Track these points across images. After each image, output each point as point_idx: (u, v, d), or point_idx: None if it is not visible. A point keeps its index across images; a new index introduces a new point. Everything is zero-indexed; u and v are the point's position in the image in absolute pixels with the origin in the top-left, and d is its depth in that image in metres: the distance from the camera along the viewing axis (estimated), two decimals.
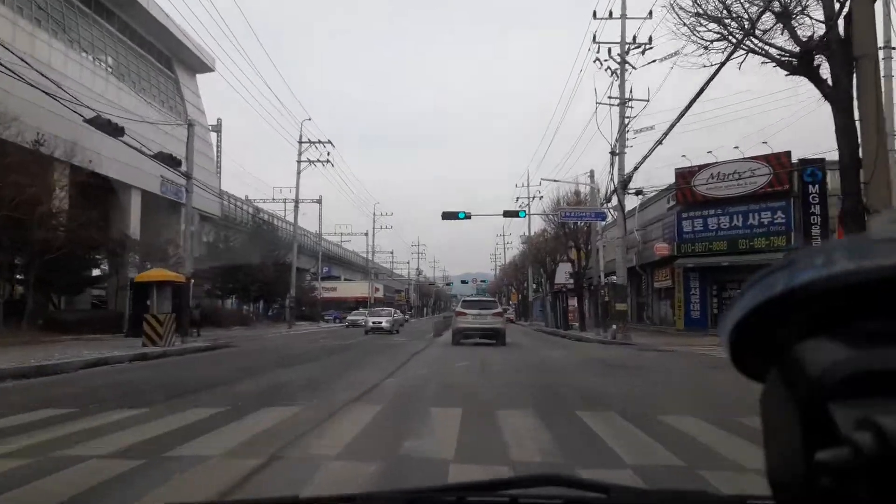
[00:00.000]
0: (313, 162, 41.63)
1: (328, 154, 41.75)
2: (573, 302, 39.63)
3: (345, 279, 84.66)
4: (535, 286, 59.74)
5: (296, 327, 44.51)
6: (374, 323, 33.12)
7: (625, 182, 24.12)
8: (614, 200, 25.95)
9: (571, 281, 41.17)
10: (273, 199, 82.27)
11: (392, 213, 76.26)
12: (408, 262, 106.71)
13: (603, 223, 27.53)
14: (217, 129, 58.08)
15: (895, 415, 0.41)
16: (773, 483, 0.50)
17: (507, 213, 29.08)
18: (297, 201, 42.14)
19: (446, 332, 35.95)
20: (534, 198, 57.41)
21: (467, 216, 28.43)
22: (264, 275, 43.65)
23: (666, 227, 27.38)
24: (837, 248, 0.48)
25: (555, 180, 27.12)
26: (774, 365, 0.49)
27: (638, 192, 24.59)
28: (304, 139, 41.86)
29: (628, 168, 24.22)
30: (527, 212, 29.21)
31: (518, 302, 76.27)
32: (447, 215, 28.44)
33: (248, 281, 44.48)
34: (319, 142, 41.70)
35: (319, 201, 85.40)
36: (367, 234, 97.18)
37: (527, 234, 56.98)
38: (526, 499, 1.06)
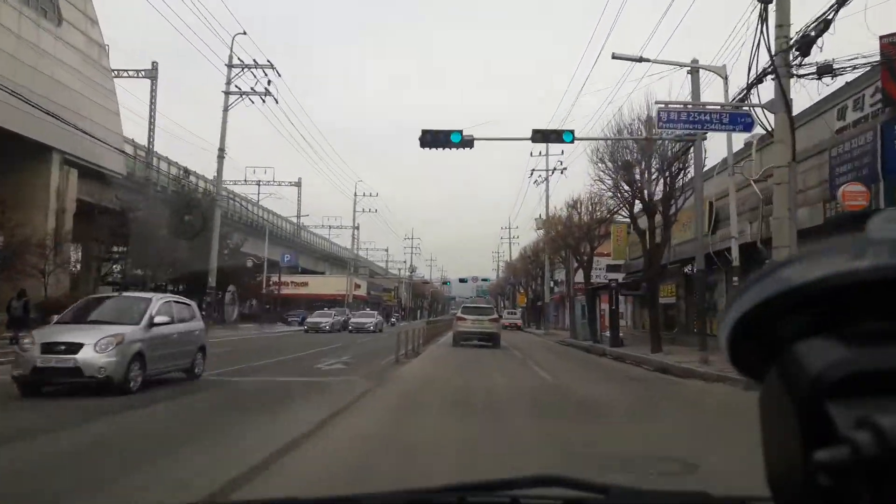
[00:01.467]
0: (245, 94, 28.74)
1: (268, 83, 28.86)
2: (617, 303, 26.78)
3: (330, 275, 71.76)
4: (552, 284, 46.79)
5: (224, 331, 31.61)
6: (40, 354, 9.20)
7: (806, 44, 11.25)
8: (752, 99, 13.15)
9: (616, 275, 28.36)
10: (245, 180, 70.11)
11: (377, 194, 62.98)
12: (404, 262, 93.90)
13: (748, 135, 14.48)
14: (152, 75, 45.52)
15: (893, 414, 0.40)
16: (772, 483, 0.50)
17: (537, 136, 16.06)
18: (222, 149, 29.20)
19: (432, 346, 23.40)
20: (555, 170, 44.81)
21: (465, 142, 15.59)
22: (179, 255, 30.78)
23: (844, 161, 14.35)
24: (836, 249, 0.48)
25: (640, 59, 13.83)
26: (773, 364, 0.49)
27: (823, 73, 11.68)
28: (237, 62, 28.98)
29: (795, 25, 11.44)
30: (574, 135, 16.08)
31: (527, 304, 63.37)
32: (428, 139, 15.60)
33: (157, 264, 31.63)
34: (256, 65, 28.79)
35: (299, 184, 73.19)
36: (358, 228, 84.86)
37: (543, 215, 44.14)
38: (526, 499, 1.07)
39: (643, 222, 19.33)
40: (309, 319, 40.03)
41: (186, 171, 39.82)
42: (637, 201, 19.31)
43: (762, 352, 0.50)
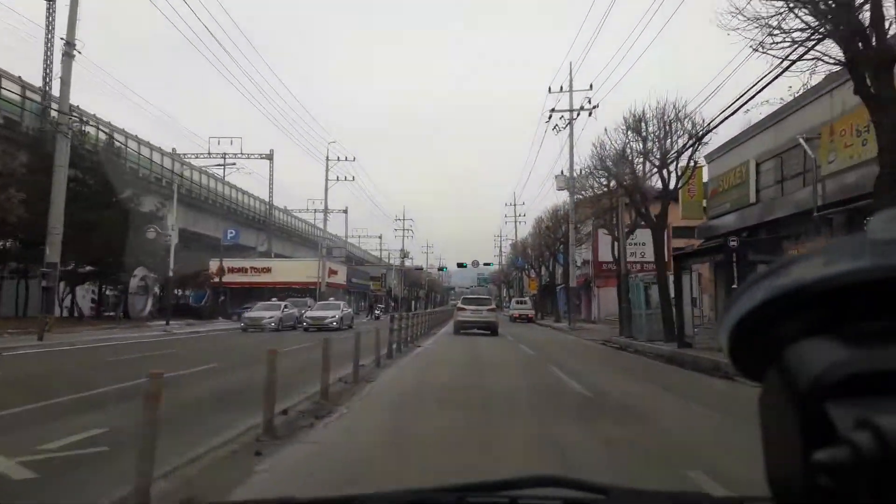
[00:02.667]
0: None
1: None
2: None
3: (299, 258, 60.55)
4: (578, 264, 35.73)
5: (97, 333, 20.39)
6: None
7: None
8: None
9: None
10: (209, 152, 59.14)
11: (354, 159, 51.59)
12: (399, 250, 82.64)
13: None
14: None
15: (893, 415, 0.40)
16: (772, 483, 0.50)
17: None
18: (69, 42, 17.93)
19: (392, 372, 11.86)
20: (581, 109, 33.56)
21: None
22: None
23: None
24: (836, 249, 0.48)
25: None
26: (773, 365, 0.49)
27: None
28: None
29: None
30: None
31: (539, 290, 52.30)
32: None
33: None
34: None
35: (270, 157, 62.07)
36: (346, 212, 73.80)
37: (565, 171, 32.99)
38: (525, 499, 1.06)
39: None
40: (247, 314, 28.97)
41: (81, 119, 28.35)
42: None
43: (762, 352, 0.49)
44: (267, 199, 61.98)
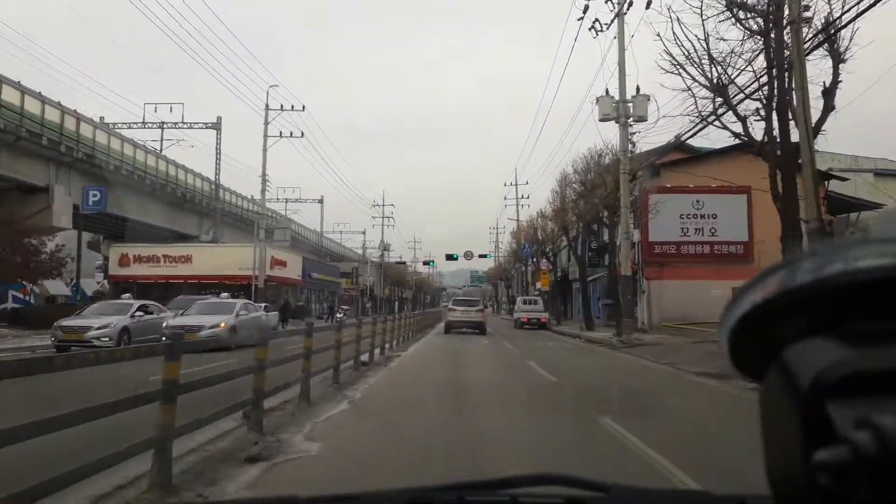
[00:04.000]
0: None
1: None
2: None
3: (232, 244, 47.63)
4: (635, 239, 23.15)
5: None
6: None
7: None
8: None
9: None
10: (143, 122, 46.50)
11: (304, 108, 38.63)
12: (380, 241, 69.53)
13: None
14: None
15: (893, 414, 0.41)
16: (773, 482, 0.50)
17: None
18: None
19: None
20: None
21: None
22: None
23: None
24: (837, 249, 0.48)
25: None
26: (773, 365, 0.49)
27: None
28: None
29: None
30: None
31: (553, 287, 39.68)
32: None
33: None
34: None
35: (218, 126, 49.58)
36: (321, 202, 61.26)
37: (611, 91, 20.46)
38: (526, 498, 1.06)
39: None
40: (63, 322, 16.36)
41: None
42: None
43: (763, 352, 0.50)
44: (213, 178, 49.15)
